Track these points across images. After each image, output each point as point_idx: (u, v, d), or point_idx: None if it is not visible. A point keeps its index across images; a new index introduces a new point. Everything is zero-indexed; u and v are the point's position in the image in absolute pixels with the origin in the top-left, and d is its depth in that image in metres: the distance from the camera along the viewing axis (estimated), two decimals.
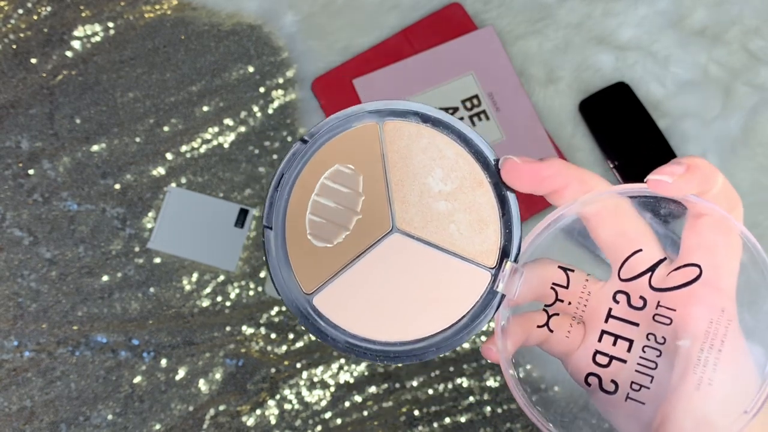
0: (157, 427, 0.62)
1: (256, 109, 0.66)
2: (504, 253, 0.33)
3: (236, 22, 0.68)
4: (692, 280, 0.30)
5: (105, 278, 0.63)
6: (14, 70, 0.66)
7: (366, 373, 0.63)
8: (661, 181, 0.29)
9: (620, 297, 0.31)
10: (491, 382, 0.63)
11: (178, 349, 0.63)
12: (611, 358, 0.31)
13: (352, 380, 0.63)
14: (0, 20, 0.67)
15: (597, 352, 0.31)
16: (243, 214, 0.64)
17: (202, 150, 0.66)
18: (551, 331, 0.32)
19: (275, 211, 0.32)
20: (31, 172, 0.65)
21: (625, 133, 0.64)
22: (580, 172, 0.31)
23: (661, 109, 0.65)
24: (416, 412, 0.63)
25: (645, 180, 0.30)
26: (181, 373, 0.62)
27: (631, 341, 0.31)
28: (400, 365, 0.33)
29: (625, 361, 0.31)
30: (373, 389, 0.63)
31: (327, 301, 0.33)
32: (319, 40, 0.67)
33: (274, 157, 0.66)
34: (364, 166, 0.33)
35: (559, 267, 0.32)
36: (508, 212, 0.33)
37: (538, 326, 0.32)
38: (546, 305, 0.32)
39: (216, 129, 0.66)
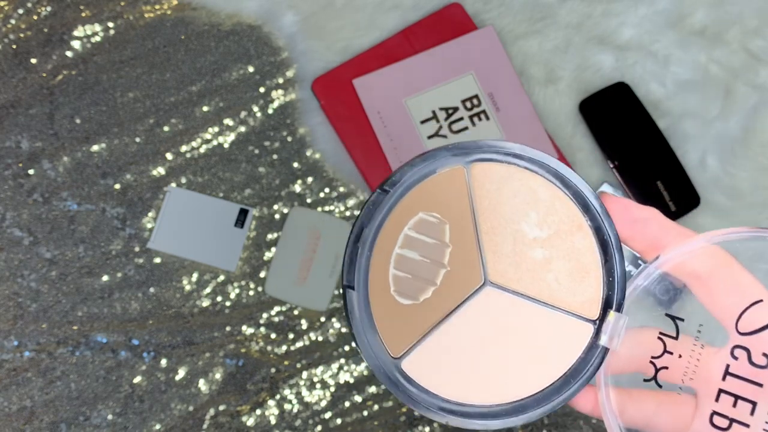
0: (157, 427, 0.62)
1: (256, 109, 0.66)
2: (607, 303, 0.30)
3: (236, 22, 0.68)
4: None
5: (105, 278, 0.63)
6: (14, 70, 0.66)
7: (366, 373, 0.63)
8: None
9: (739, 353, 0.28)
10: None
11: (178, 349, 0.63)
12: (731, 420, 0.28)
13: (352, 380, 0.63)
14: (0, 20, 0.67)
15: (714, 413, 0.28)
16: (243, 214, 0.64)
17: (202, 150, 0.66)
18: (659, 386, 0.29)
19: (356, 269, 0.30)
20: (31, 172, 0.65)
21: (625, 133, 0.64)
22: (681, 229, 0.29)
23: (661, 109, 0.65)
24: (416, 412, 0.63)
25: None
26: (181, 373, 0.62)
27: (754, 403, 0.28)
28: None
29: (748, 425, 0.28)
30: (373, 389, 0.63)
31: (417, 364, 0.30)
32: (319, 40, 0.67)
33: (274, 157, 0.66)
34: (451, 214, 0.30)
35: (667, 315, 0.29)
36: (610, 258, 0.30)
37: (645, 380, 0.29)
38: (653, 356, 0.29)
39: (216, 129, 0.66)
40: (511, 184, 0.30)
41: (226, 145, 0.66)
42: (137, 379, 0.62)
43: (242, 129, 0.66)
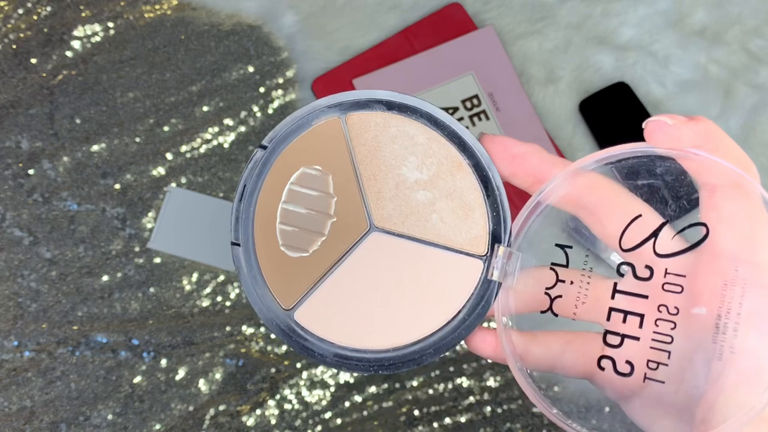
0: (157, 427, 0.62)
1: (256, 109, 0.66)
2: (494, 238, 0.30)
3: (236, 22, 0.68)
4: (699, 241, 0.27)
5: (105, 278, 0.63)
6: (14, 70, 0.66)
7: (366, 374, 0.63)
8: (660, 122, 0.27)
9: (625, 269, 0.29)
10: (491, 382, 0.63)
11: (178, 349, 0.63)
12: (623, 336, 0.28)
13: (352, 380, 0.63)
14: (0, 20, 0.67)
15: (607, 332, 0.29)
16: None
17: (202, 150, 0.66)
18: (555, 315, 0.29)
19: (242, 226, 0.30)
20: (31, 172, 0.65)
21: (625, 133, 0.64)
22: (562, 161, 0.29)
23: (661, 109, 0.65)
24: (416, 412, 0.63)
25: (643, 125, 0.27)
26: (181, 373, 0.62)
27: (641, 316, 0.28)
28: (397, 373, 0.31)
29: (638, 339, 0.28)
30: (373, 389, 0.63)
31: (309, 314, 0.30)
32: (319, 40, 0.67)
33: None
34: (332, 165, 0.31)
35: (557, 245, 0.29)
36: (492, 193, 0.30)
37: (542, 312, 0.29)
38: (547, 287, 0.30)
39: (216, 129, 0.66)
40: (387, 131, 0.31)
41: (226, 145, 0.66)
42: (137, 379, 0.62)
43: (242, 129, 0.66)
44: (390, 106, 0.31)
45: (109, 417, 0.62)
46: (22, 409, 0.61)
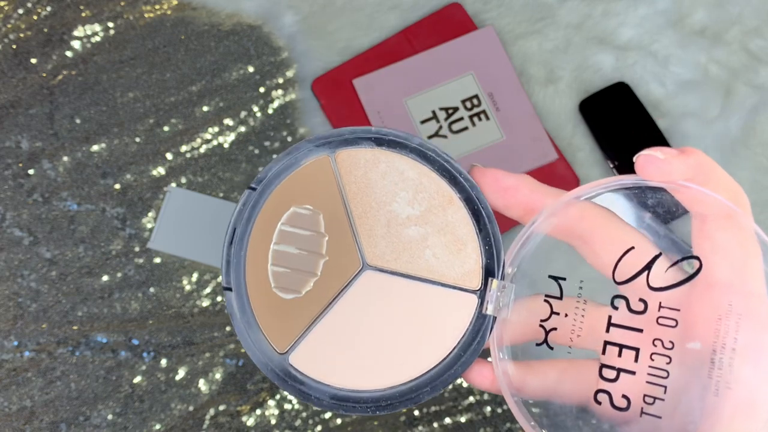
0: (157, 427, 0.62)
1: (256, 109, 0.66)
2: (488, 272, 0.30)
3: (236, 22, 0.68)
4: (693, 274, 0.27)
5: (105, 278, 0.63)
6: (14, 70, 0.66)
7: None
8: (652, 156, 0.27)
9: (619, 302, 0.28)
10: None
11: (178, 349, 0.63)
12: (618, 370, 0.28)
13: None
14: (0, 20, 0.67)
15: (603, 365, 0.28)
16: None
17: (202, 150, 0.66)
18: (551, 348, 0.29)
19: (234, 270, 0.30)
20: (31, 172, 0.65)
21: (625, 133, 0.64)
22: (554, 191, 0.29)
23: (661, 109, 0.65)
24: (416, 412, 0.63)
25: (634, 159, 0.27)
26: (181, 373, 0.62)
27: (637, 350, 0.28)
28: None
29: (633, 373, 0.28)
30: None
31: (305, 357, 0.30)
32: (319, 40, 0.67)
33: (274, 157, 0.66)
34: (323, 204, 0.31)
35: (550, 276, 0.29)
36: (484, 226, 0.30)
37: (537, 344, 0.29)
38: (542, 320, 0.29)
39: (216, 129, 0.66)
40: (377, 168, 0.31)
41: (226, 145, 0.66)
42: (137, 379, 0.62)
43: (242, 129, 0.66)
44: (379, 142, 0.31)
45: (109, 417, 0.62)
46: (22, 409, 0.61)
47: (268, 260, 0.30)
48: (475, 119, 0.64)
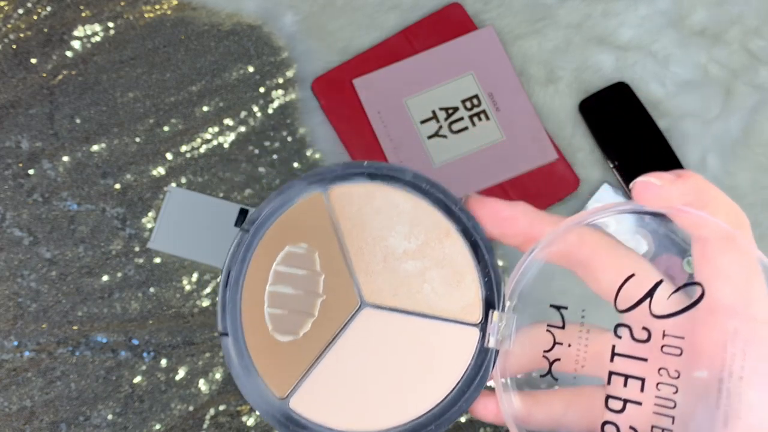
0: (157, 427, 0.62)
1: (256, 109, 0.66)
2: (488, 304, 0.29)
3: (236, 22, 0.68)
4: (695, 301, 0.27)
5: (105, 278, 0.63)
6: (14, 70, 0.66)
7: None
8: (648, 183, 0.26)
9: (622, 331, 0.28)
10: (491, 382, 0.63)
11: (178, 349, 0.63)
12: (624, 401, 0.28)
13: None
14: (0, 20, 0.67)
15: (609, 396, 0.28)
16: (243, 214, 0.64)
17: (202, 150, 0.66)
18: (555, 379, 0.29)
19: (229, 315, 0.29)
20: (31, 172, 0.65)
21: (625, 133, 0.64)
22: (553, 218, 0.29)
23: (661, 109, 0.65)
24: None
25: (630, 186, 0.27)
26: (181, 373, 0.62)
27: (642, 379, 0.27)
28: None
29: (640, 403, 0.27)
30: None
31: (305, 401, 0.29)
32: (319, 40, 0.67)
33: (274, 157, 0.66)
34: (318, 242, 0.30)
35: (552, 306, 0.29)
36: (483, 258, 0.30)
37: (541, 376, 0.29)
38: (545, 350, 0.29)
39: (216, 129, 0.66)
40: (371, 203, 0.30)
41: (226, 145, 0.66)
42: (137, 379, 0.62)
43: (242, 129, 0.66)
44: (372, 176, 0.30)
45: (109, 417, 0.62)
46: (22, 409, 0.61)
47: (264, 302, 0.29)
48: (475, 119, 0.64)
